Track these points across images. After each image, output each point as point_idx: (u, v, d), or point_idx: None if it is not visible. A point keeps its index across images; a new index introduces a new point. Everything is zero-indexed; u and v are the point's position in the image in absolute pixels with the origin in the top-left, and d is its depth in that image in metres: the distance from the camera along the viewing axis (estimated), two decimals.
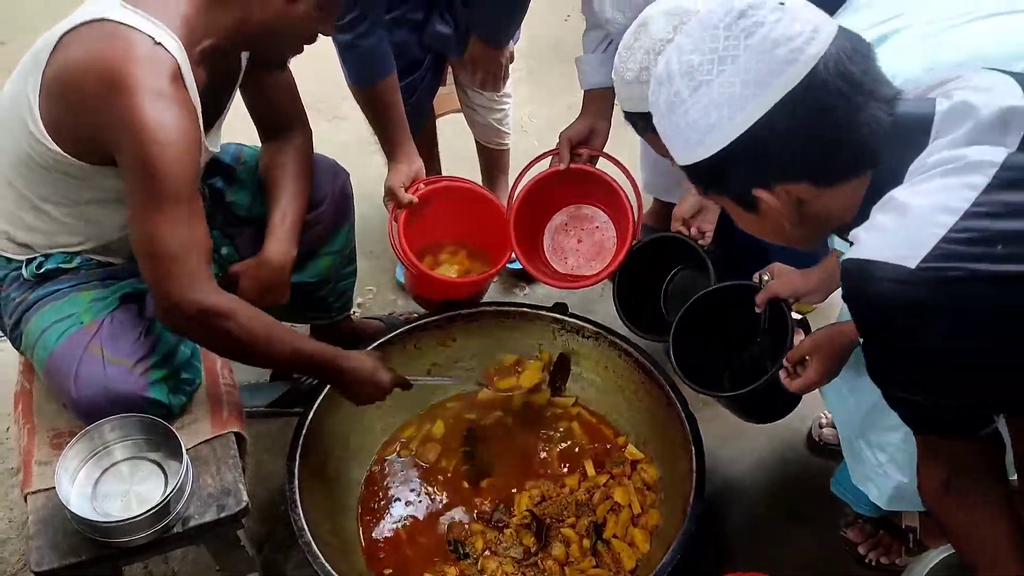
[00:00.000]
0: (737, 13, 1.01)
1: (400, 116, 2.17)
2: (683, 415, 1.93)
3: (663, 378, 2.00)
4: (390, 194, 2.10)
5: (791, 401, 1.86)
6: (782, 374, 1.63)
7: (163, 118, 1.46)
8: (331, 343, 2.32)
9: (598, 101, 2.06)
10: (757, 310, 1.78)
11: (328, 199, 2.02)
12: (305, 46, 1.71)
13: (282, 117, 1.92)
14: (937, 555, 1.46)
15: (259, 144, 1.98)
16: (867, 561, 1.92)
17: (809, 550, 2.00)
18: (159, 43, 1.49)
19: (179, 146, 1.48)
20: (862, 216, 1.01)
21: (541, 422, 2.17)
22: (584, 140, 2.06)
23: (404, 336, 2.15)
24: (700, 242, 1.97)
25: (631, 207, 2.05)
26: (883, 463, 1.66)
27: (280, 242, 1.83)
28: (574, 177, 2.08)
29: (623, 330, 2.08)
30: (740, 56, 0.99)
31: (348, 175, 2.10)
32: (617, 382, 2.12)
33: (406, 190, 2.10)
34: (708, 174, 1.06)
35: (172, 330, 1.65)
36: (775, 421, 2.08)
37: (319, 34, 1.70)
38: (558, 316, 2.16)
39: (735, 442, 2.21)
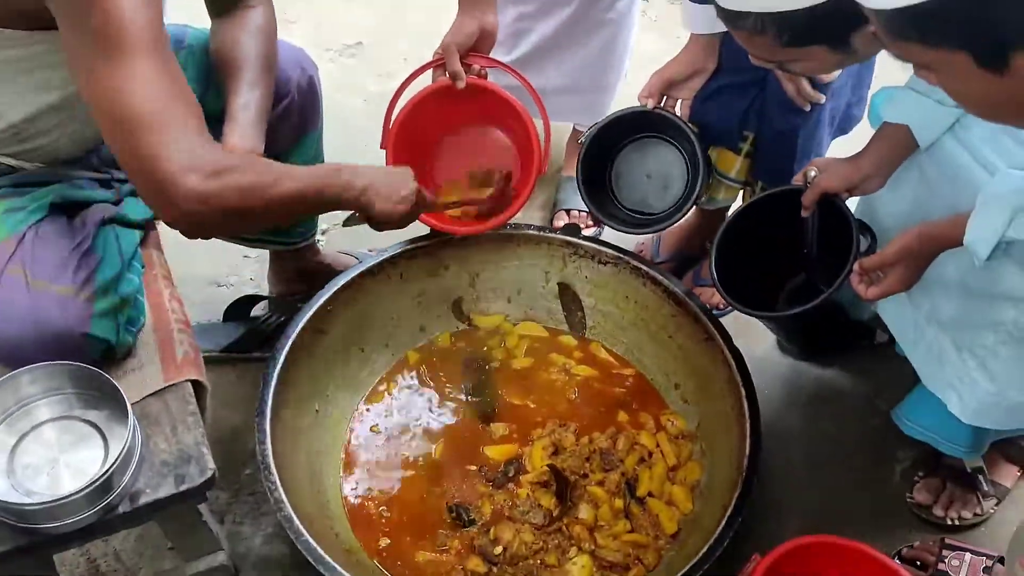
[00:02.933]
0: None
1: None
2: (726, 351, 1.64)
3: (700, 309, 1.70)
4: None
5: (851, 329, 1.62)
6: (855, 279, 1.41)
7: None
8: (294, 278, 2.01)
9: None
10: (804, 213, 1.54)
11: (295, 94, 1.65)
12: None
13: None
14: None
15: (207, 25, 1.58)
16: (949, 522, 1.67)
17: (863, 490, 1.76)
18: None
19: None
20: None
21: (550, 361, 1.86)
22: (472, 46, 1.69)
23: (387, 265, 1.80)
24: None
25: (535, 132, 1.72)
26: (971, 368, 1.43)
27: (244, 135, 1.45)
28: (464, 94, 1.71)
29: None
30: None
31: (317, 69, 1.73)
32: (641, 315, 1.81)
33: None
34: (950, 13, 0.74)
35: (181, 223, 1.21)
36: (829, 354, 1.84)
37: None
38: (571, 239, 1.84)
39: None
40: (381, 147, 1.76)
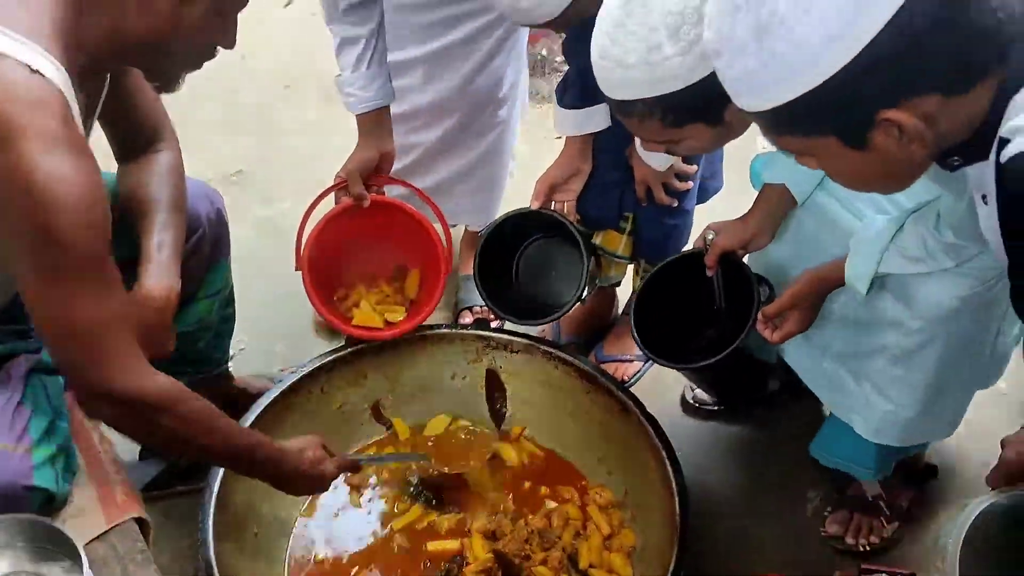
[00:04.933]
0: None
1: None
2: (642, 419, 1.75)
3: (612, 383, 1.82)
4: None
5: (760, 372, 1.79)
6: (760, 326, 1.58)
7: (60, 168, 1.12)
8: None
9: (380, 123, 1.86)
10: (709, 273, 1.70)
11: (205, 226, 1.69)
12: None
13: (147, 128, 1.58)
14: (977, 506, 1.34)
15: (112, 169, 1.62)
16: (861, 548, 1.81)
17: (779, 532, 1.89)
18: (36, 71, 1.13)
19: (83, 202, 1.14)
20: (984, 129, 0.87)
21: (476, 453, 1.92)
22: (373, 169, 1.85)
23: (307, 380, 1.84)
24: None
25: (439, 238, 1.87)
26: (869, 392, 1.61)
27: (160, 275, 1.49)
28: (368, 210, 1.85)
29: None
30: None
31: (223, 200, 1.78)
32: (557, 398, 1.91)
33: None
34: (814, 108, 0.88)
35: (95, 418, 1.35)
36: (746, 399, 1.99)
37: (219, 47, 1.36)
38: (482, 332, 1.93)
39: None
40: (296, 269, 1.82)
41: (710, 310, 1.76)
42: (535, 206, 1.87)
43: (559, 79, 1.94)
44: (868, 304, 1.54)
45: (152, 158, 1.58)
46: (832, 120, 0.90)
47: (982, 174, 0.94)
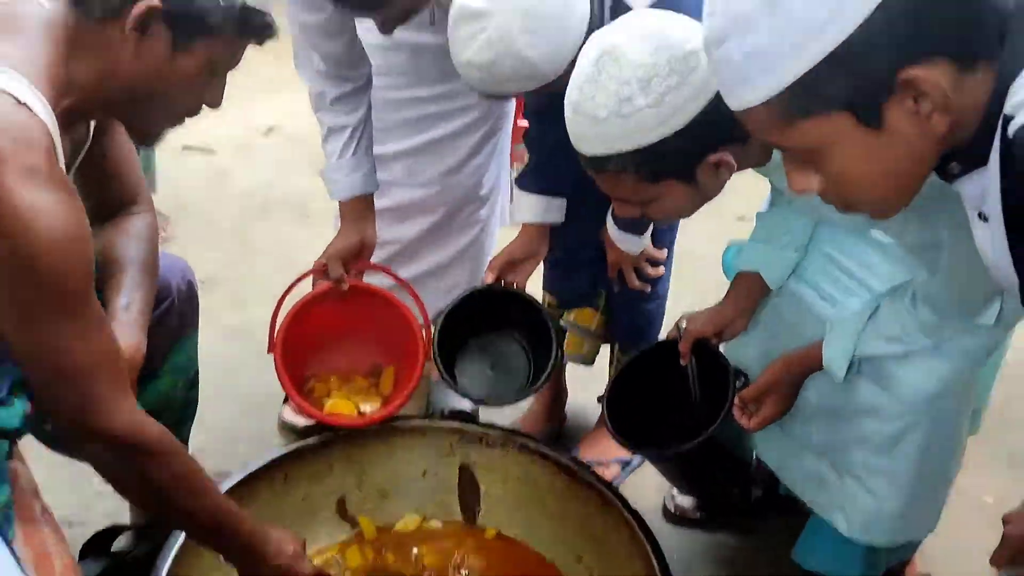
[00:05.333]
0: None
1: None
2: (625, 512, 1.67)
3: (592, 477, 1.74)
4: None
5: (735, 467, 1.76)
6: (737, 413, 1.55)
7: (42, 203, 1.09)
8: None
9: (363, 211, 1.87)
10: (683, 361, 1.67)
11: (175, 297, 1.64)
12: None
13: (125, 190, 1.55)
14: None
15: None
16: None
17: None
18: (23, 103, 1.12)
19: (67, 237, 1.12)
20: (984, 127, 0.87)
21: (445, 555, 1.80)
22: (354, 255, 1.85)
23: (271, 467, 1.74)
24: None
25: (416, 324, 1.84)
26: (851, 487, 1.54)
27: (126, 333, 1.42)
28: (346, 296, 1.83)
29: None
30: None
31: (195, 275, 1.74)
32: (534, 493, 1.82)
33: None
34: (830, 75, 0.86)
35: (83, 459, 1.28)
36: (717, 496, 1.92)
37: (205, 106, 1.37)
38: (456, 425, 1.86)
39: None
40: (268, 351, 1.76)
41: (686, 400, 1.71)
42: (488, 280, 1.85)
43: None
44: (845, 391, 1.51)
45: (127, 220, 1.55)
46: (849, 88, 0.87)
47: (978, 187, 0.93)
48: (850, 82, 0.87)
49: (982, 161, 0.90)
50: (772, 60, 0.88)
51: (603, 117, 1.28)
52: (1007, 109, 0.85)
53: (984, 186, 0.91)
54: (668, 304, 2.04)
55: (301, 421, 2.20)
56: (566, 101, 1.34)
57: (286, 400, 2.26)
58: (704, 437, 1.55)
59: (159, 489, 1.26)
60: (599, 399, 1.72)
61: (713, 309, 1.66)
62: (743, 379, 1.59)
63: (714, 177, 1.30)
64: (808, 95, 0.89)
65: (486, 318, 1.90)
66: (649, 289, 1.86)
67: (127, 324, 1.43)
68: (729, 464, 1.76)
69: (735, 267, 1.64)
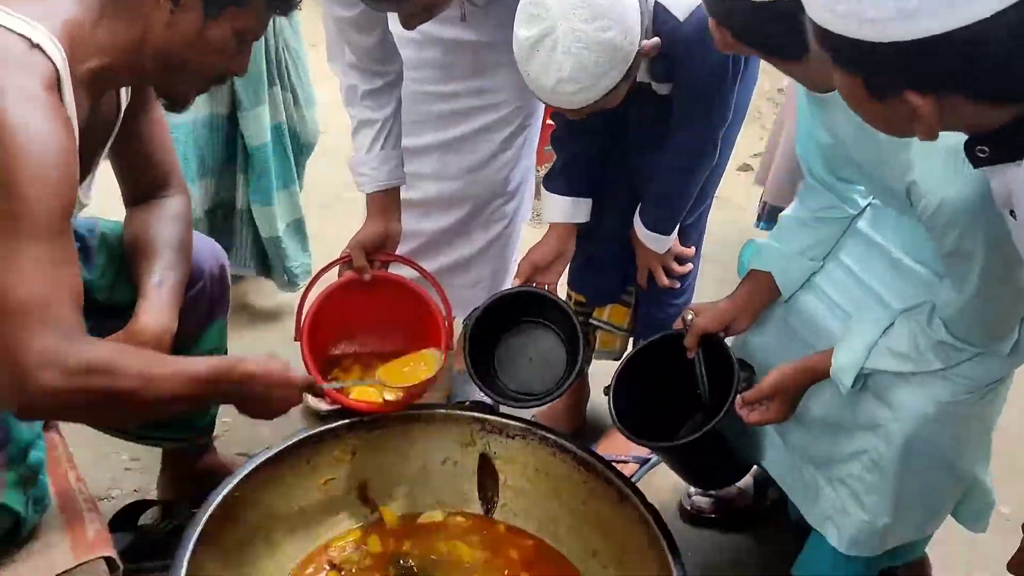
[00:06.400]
0: None
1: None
2: (642, 508, 1.68)
3: (611, 472, 1.75)
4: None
5: (739, 462, 1.76)
6: (739, 407, 1.56)
7: (30, 121, 1.13)
8: (189, 482, 1.92)
9: (389, 204, 1.90)
10: (689, 355, 1.69)
11: (207, 281, 1.68)
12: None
13: (158, 173, 1.60)
14: None
15: (117, 218, 1.63)
16: None
17: None
18: (37, 45, 1.18)
19: (49, 159, 1.14)
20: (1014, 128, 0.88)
21: (463, 546, 1.83)
22: (378, 246, 1.88)
23: (293, 451, 1.77)
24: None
25: (440, 314, 1.86)
26: (844, 499, 1.55)
27: (156, 310, 1.46)
28: (370, 286, 1.86)
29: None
30: None
31: (226, 257, 1.78)
32: (552, 486, 1.83)
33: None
34: (888, 55, 0.87)
35: (32, 414, 1.22)
36: (721, 487, 1.93)
37: (229, 74, 1.43)
38: (478, 415, 1.88)
39: None
40: (295, 339, 1.80)
41: (691, 393, 1.73)
42: (516, 283, 1.88)
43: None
44: (848, 406, 1.52)
45: (160, 203, 1.59)
46: (883, 75, 0.90)
47: (1004, 186, 0.94)
48: (886, 72, 0.90)
49: (1012, 155, 0.91)
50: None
51: None
52: None
53: (1009, 186, 0.93)
54: None
55: (324, 406, 2.24)
56: None
57: None
58: (708, 429, 1.57)
59: (123, 403, 1.21)
60: (605, 390, 1.74)
61: (720, 305, 1.67)
62: (749, 375, 1.61)
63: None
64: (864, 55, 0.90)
65: (516, 321, 1.92)
66: (678, 286, 1.88)
67: (158, 304, 1.47)
68: (731, 461, 1.77)
69: (750, 264, 1.64)
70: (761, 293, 1.65)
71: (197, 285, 1.65)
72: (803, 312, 1.63)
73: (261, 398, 1.40)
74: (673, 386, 1.74)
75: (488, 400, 1.92)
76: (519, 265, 1.92)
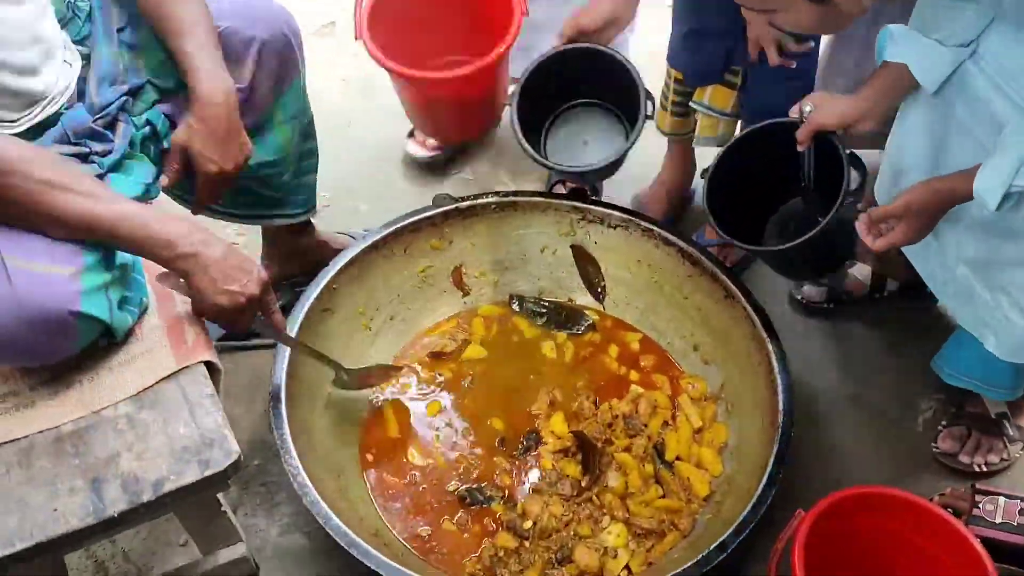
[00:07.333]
0: None
1: None
2: (748, 307, 1.61)
3: (716, 266, 1.67)
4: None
5: (845, 251, 1.63)
6: (861, 228, 1.39)
7: None
8: (289, 260, 1.92)
9: None
10: (799, 148, 1.50)
11: (259, 39, 1.51)
12: None
13: None
14: None
15: None
16: (976, 468, 1.66)
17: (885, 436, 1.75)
18: None
19: None
20: None
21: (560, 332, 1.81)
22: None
23: (391, 239, 1.73)
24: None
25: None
26: (1004, 307, 1.40)
27: (210, 73, 1.38)
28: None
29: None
30: None
31: (292, 16, 1.59)
32: (654, 278, 1.77)
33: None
34: None
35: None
36: (827, 274, 1.85)
37: None
38: (578, 204, 1.78)
39: None
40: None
41: (800, 187, 1.57)
42: (560, 42, 1.65)
43: None
44: (1009, 210, 1.32)
45: None
46: None
47: None
48: None
49: None
50: None
51: None
52: None
53: None
54: None
55: (423, 153, 2.20)
56: None
57: (411, 134, 2.24)
58: (808, 237, 1.43)
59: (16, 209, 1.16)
60: (702, 173, 1.60)
61: (844, 100, 1.45)
62: (861, 178, 1.44)
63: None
64: None
65: (569, 87, 1.74)
66: (793, 65, 1.64)
67: (206, 64, 1.38)
68: (834, 255, 1.63)
69: (883, 55, 1.39)
70: (893, 90, 1.41)
71: (254, 44, 1.50)
72: (969, 95, 1.36)
73: (188, 276, 1.26)
74: (771, 173, 1.58)
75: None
76: (566, 22, 1.67)
